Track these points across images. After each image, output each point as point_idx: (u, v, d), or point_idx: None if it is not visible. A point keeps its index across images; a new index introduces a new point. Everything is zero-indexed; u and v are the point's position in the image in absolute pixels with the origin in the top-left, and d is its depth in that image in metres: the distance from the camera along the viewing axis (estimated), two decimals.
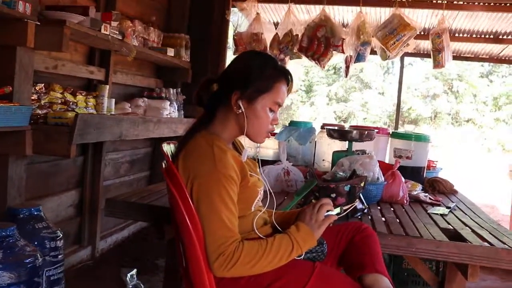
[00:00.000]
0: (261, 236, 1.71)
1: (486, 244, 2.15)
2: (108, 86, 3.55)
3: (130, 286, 3.29)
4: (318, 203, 1.79)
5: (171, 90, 4.44)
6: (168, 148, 1.82)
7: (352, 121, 18.89)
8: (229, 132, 1.80)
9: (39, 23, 2.55)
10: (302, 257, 1.74)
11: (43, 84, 2.89)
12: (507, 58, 6.04)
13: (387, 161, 3.63)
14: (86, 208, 3.76)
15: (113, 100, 3.56)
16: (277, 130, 3.86)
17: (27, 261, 1.94)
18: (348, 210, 1.96)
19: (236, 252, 1.57)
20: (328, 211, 1.87)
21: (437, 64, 4.43)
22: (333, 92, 19.94)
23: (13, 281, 1.88)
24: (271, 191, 1.86)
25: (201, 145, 1.70)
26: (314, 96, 20.09)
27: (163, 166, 1.78)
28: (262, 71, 1.76)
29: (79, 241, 3.76)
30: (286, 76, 1.81)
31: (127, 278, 3.33)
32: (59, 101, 2.97)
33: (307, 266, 1.71)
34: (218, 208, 1.59)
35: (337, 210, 1.86)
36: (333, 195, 2.37)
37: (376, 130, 3.28)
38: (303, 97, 20.45)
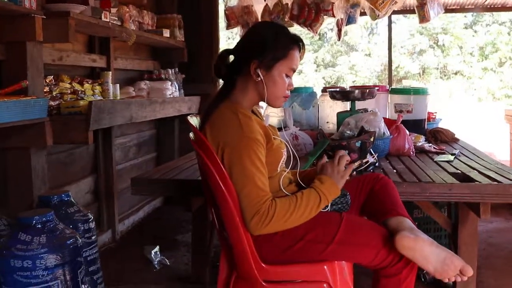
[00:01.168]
0: (288, 194, 1.82)
1: (494, 182, 2.28)
2: (110, 72, 3.62)
3: (156, 262, 3.44)
4: (337, 155, 1.92)
5: (170, 70, 4.51)
6: (193, 121, 1.92)
7: (342, 85, 18.92)
8: (250, 100, 1.90)
9: (45, 17, 2.62)
10: (328, 209, 1.85)
11: (52, 76, 2.97)
12: (492, 6, 6.10)
13: (388, 116, 3.74)
14: (102, 193, 3.86)
15: (118, 86, 3.64)
16: None
17: (69, 242, 2.04)
18: (367, 164, 2.08)
19: (271, 209, 1.69)
20: (344, 167, 1.99)
21: (422, 19, 4.52)
22: (320, 58, 19.91)
23: (59, 262, 1.98)
24: (294, 151, 1.96)
25: (226, 114, 1.81)
26: (301, 64, 20.05)
27: (191, 137, 1.88)
28: (277, 40, 1.86)
29: (98, 226, 3.85)
30: (298, 43, 1.91)
31: (152, 255, 3.49)
32: (69, 91, 3.05)
33: (335, 216, 1.83)
34: (250, 171, 1.70)
35: (357, 163, 1.98)
36: (346, 152, 2.49)
37: (376, 88, 3.38)
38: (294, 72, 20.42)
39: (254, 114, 1.98)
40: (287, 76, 1.89)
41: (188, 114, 2.05)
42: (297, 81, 19.10)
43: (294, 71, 1.91)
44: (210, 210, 1.96)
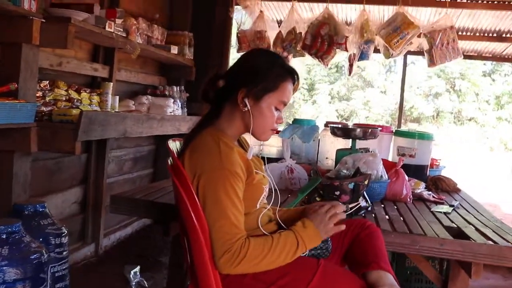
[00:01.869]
0: (266, 233, 1.72)
1: (490, 242, 2.15)
2: (112, 83, 3.57)
3: (134, 283, 3.30)
4: (333, 209, 1.78)
5: (175, 87, 4.45)
6: (174, 145, 1.83)
7: (354, 120, 18.87)
8: (235, 129, 1.80)
9: (44, 20, 2.56)
10: (306, 254, 1.75)
11: (47, 81, 2.91)
12: (510, 57, 6.04)
13: (390, 159, 3.63)
14: (89, 205, 3.78)
15: (117, 98, 3.58)
16: (280, 128, 3.87)
17: (33, 257, 1.94)
18: (354, 209, 1.97)
19: (243, 249, 1.58)
20: None
21: (430, 62, 4.44)
22: (335, 91, 19.95)
23: (19, 277, 1.87)
24: (276, 188, 1.86)
25: (207, 142, 1.71)
26: (316, 95, 20.10)
27: (169, 163, 1.78)
28: (269, 70, 1.76)
29: (82, 238, 3.78)
30: (292, 75, 1.82)
31: (131, 275, 3.34)
32: (64, 98, 2.99)
33: (311, 263, 1.72)
34: (224, 205, 1.60)
35: (344, 207, 1.87)
36: (337, 193, 2.39)
37: (379, 128, 3.28)
38: (305, 95, 20.46)
39: (240, 144, 1.89)
40: (276, 109, 1.79)
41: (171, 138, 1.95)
42: (310, 111, 19.11)
43: (285, 104, 1.81)
44: (182, 240, 1.85)
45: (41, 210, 2.33)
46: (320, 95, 20.04)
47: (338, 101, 20.04)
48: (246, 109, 1.75)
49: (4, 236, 1.91)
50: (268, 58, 1.82)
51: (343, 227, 1.78)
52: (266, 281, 1.66)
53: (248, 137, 1.92)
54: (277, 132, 3.71)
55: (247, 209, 1.70)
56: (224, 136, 1.74)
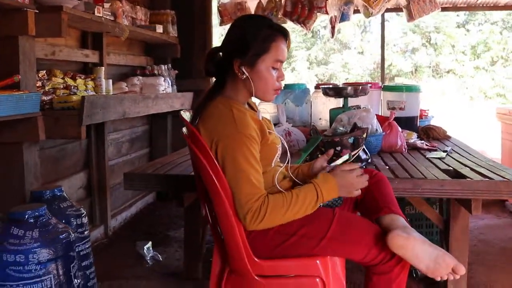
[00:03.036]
0: (281, 190, 1.82)
1: (486, 179, 2.29)
2: (103, 67, 3.62)
3: (148, 258, 3.44)
4: (355, 166, 1.87)
5: (163, 66, 4.50)
6: (186, 116, 1.91)
7: (335, 82, 18.90)
8: (242, 96, 1.89)
9: (37, 11, 2.60)
10: (321, 204, 1.86)
11: (44, 71, 2.96)
12: (484, 5, 6.12)
13: (381, 114, 3.75)
14: (94, 188, 3.86)
15: (110, 81, 3.63)
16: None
17: (62, 237, 2.03)
18: (356, 155, 2.08)
19: (263, 206, 1.69)
20: (335, 159, 2.00)
21: (409, 17, 4.53)
22: (313, 56, 19.92)
23: (52, 257, 1.97)
24: (287, 147, 1.97)
25: (220, 109, 1.80)
26: (294, 62, 20.07)
27: (184, 132, 1.88)
28: (257, 34, 1.83)
29: (91, 221, 3.85)
30: (281, 33, 1.87)
31: (144, 251, 3.48)
32: (61, 86, 3.04)
33: (327, 212, 1.83)
34: (243, 167, 1.70)
35: (346, 156, 1.99)
36: (338, 148, 2.50)
37: (369, 85, 3.39)
38: (283, 63, 20.45)
39: (250, 108, 1.98)
40: (273, 68, 1.86)
41: (181, 110, 2.04)
42: (289, 78, 19.11)
43: (282, 62, 1.87)
44: (203, 205, 1.96)
45: (59, 194, 2.43)
46: (298, 61, 20.00)
47: (316, 66, 20.02)
48: (244, 76, 1.83)
49: (32, 220, 2.00)
50: (254, 23, 1.89)
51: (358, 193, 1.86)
52: (288, 233, 1.78)
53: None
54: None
55: (263, 168, 1.80)
56: (234, 102, 1.84)
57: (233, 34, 1.91)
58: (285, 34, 1.88)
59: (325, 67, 19.88)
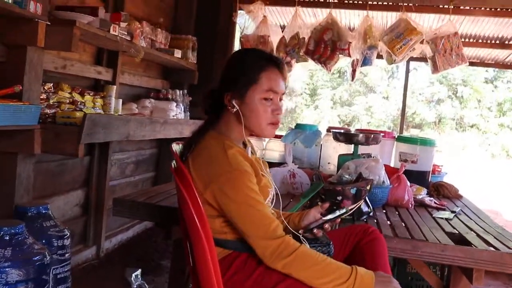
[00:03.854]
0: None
1: (491, 248, 2.15)
2: (115, 86, 3.58)
3: (135, 286, 3.32)
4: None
5: (178, 91, 4.46)
6: (177, 148, 1.83)
7: (356, 125, 18.88)
8: (236, 132, 1.81)
9: (49, 23, 2.57)
10: None
11: (51, 84, 2.92)
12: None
13: (392, 164, 3.64)
14: (92, 207, 3.79)
15: (120, 101, 3.59)
16: (283, 133, 3.88)
17: (36, 258, 1.95)
18: (353, 210, 1.96)
19: (287, 245, 1.60)
20: (335, 211, 1.89)
21: (433, 69, 4.45)
22: (337, 96, 19.96)
23: (22, 279, 1.88)
24: (278, 192, 1.87)
25: (212, 146, 1.73)
26: (318, 100, 20.12)
27: (173, 166, 1.79)
28: (245, 66, 1.77)
29: (84, 241, 3.78)
30: (271, 62, 1.79)
31: (132, 278, 3.38)
32: (67, 101, 2.99)
33: None
34: (249, 203, 1.62)
35: (342, 210, 1.87)
36: (339, 198, 2.39)
37: (382, 134, 3.28)
38: (307, 100, 20.47)
39: (244, 147, 1.89)
40: (266, 100, 1.77)
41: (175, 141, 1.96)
42: (312, 116, 19.12)
43: (275, 92, 1.77)
44: (185, 244, 1.85)
45: (44, 212, 2.34)
46: (322, 100, 20.05)
47: (340, 107, 20.05)
48: (235, 110, 1.76)
49: (7, 238, 1.92)
50: (243, 55, 1.85)
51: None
52: (266, 286, 1.66)
53: (255, 142, 1.93)
54: (279, 136, 3.73)
55: None
56: (227, 139, 1.76)
57: (225, 70, 1.85)
58: (276, 64, 1.80)
59: (348, 108, 19.88)
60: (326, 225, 1.82)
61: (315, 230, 1.81)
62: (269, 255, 1.59)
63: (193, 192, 1.62)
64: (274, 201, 1.86)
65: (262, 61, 1.78)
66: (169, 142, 4.73)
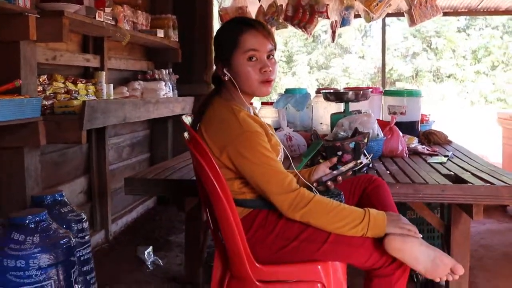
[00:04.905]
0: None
1: (487, 184, 2.29)
2: (104, 72, 3.62)
3: (149, 263, 3.44)
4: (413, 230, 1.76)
5: (164, 71, 4.51)
6: (187, 120, 1.92)
7: (336, 87, 18.94)
8: (238, 98, 1.89)
9: (38, 16, 2.61)
10: None
11: (45, 76, 2.96)
12: (485, 10, 6.14)
13: (382, 118, 3.75)
14: (95, 193, 3.85)
15: (111, 86, 3.64)
16: (274, 100, 3.96)
17: (62, 242, 2.04)
18: (361, 164, 2.08)
19: (304, 195, 1.71)
20: (339, 166, 2.00)
21: (411, 22, 4.54)
22: (313, 60, 19.94)
23: (52, 262, 1.97)
24: (287, 151, 1.97)
25: (221, 112, 1.82)
26: (295, 66, 20.09)
27: (186, 137, 1.88)
28: (226, 34, 1.89)
29: (92, 226, 3.84)
30: (249, 25, 1.87)
31: (145, 256, 3.48)
32: (63, 91, 3.04)
33: None
34: (263, 161, 1.72)
35: (352, 164, 1.99)
36: (339, 153, 2.50)
37: (370, 90, 3.38)
38: (284, 67, 20.44)
39: (251, 112, 1.98)
40: (250, 59, 1.83)
41: (182, 115, 2.05)
42: (290, 82, 19.14)
43: (259, 51, 1.83)
44: (204, 210, 1.96)
45: (59, 199, 2.43)
46: (298, 66, 20.02)
47: (317, 70, 20.05)
48: (227, 77, 1.85)
49: (33, 225, 2.00)
50: (224, 26, 1.98)
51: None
52: (288, 237, 1.77)
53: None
54: (271, 103, 3.82)
55: None
56: (233, 104, 1.85)
57: (213, 41, 1.95)
58: (253, 25, 1.87)
59: (325, 72, 19.90)
60: (339, 178, 1.95)
61: (328, 183, 1.93)
62: (287, 207, 1.71)
63: (209, 158, 1.71)
64: (283, 159, 1.96)
65: (238, 25, 1.87)
66: (161, 122, 4.83)
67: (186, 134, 1.89)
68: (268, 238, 1.78)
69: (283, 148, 1.97)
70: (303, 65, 19.84)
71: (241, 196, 1.82)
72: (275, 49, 1.89)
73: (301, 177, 1.95)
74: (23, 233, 1.96)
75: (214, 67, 1.93)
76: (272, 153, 1.77)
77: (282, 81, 20.01)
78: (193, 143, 1.78)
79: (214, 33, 2.01)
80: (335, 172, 1.97)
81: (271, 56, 1.87)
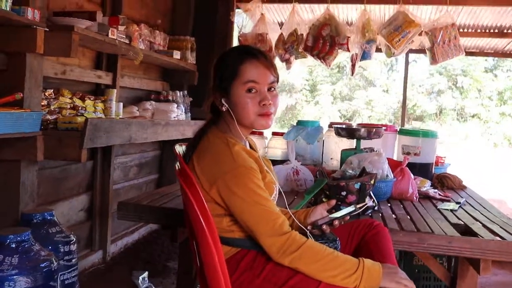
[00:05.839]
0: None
1: (497, 238, 2.15)
2: (115, 90, 3.58)
3: None
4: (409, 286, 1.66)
5: (178, 92, 4.46)
6: (181, 149, 1.84)
7: (357, 119, 18.85)
8: (235, 130, 1.81)
9: (47, 30, 2.57)
10: None
11: (52, 90, 2.93)
12: (511, 52, 6.03)
13: (395, 158, 3.63)
14: (96, 212, 3.79)
15: (121, 104, 3.59)
16: (284, 130, 3.87)
17: (43, 265, 1.96)
18: (362, 208, 1.97)
19: (294, 239, 1.61)
20: (339, 206, 1.89)
21: (432, 60, 4.44)
22: (337, 91, 19.92)
23: (30, 286, 1.89)
24: (281, 190, 1.87)
25: (215, 144, 1.73)
26: (318, 95, 20.08)
27: (176, 167, 1.79)
28: (225, 63, 1.80)
29: (90, 245, 3.78)
30: (250, 54, 1.79)
31: (139, 281, 3.37)
32: (68, 106, 3.00)
33: None
34: (254, 199, 1.63)
35: (351, 208, 1.87)
36: (344, 193, 2.39)
37: (383, 128, 3.28)
38: (307, 96, 20.44)
39: (250, 146, 1.90)
40: (249, 91, 1.76)
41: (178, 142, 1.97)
42: (313, 112, 19.10)
43: (259, 83, 1.76)
44: (191, 245, 1.85)
45: (49, 218, 2.35)
46: (322, 95, 20.01)
47: (340, 101, 20.01)
48: (224, 108, 1.78)
49: (13, 245, 1.93)
50: (223, 54, 1.85)
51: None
52: (276, 283, 1.66)
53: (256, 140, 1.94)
54: (281, 134, 3.73)
55: None
56: (229, 136, 1.77)
57: (212, 70, 1.86)
58: (254, 55, 1.79)
59: (349, 103, 19.85)
60: (336, 222, 1.83)
61: (323, 227, 1.82)
62: (276, 250, 1.60)
63: (197, 192, 1.62)
64: (277, 198, 1.86)
65: (239, 55, 1.79)
66: (172, 143, 4.74)
67: (177, 164, 1.80)
68: (254, 282, 1.68)
69: (278, 187, 1.86)
70: (327, 95, 19.83)
71: (230, 235, 1.72)
72: (277, 81, 1.81)
73: (295, 219, 1.84)
74: (1, 252, 1.89)
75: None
76: (265, 191, 1.68)
77: (304, 109, 20.00)
78: (183, 175, 1.69)
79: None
80: (332, 215, 1.86)
81: (272, 88, 1.80)
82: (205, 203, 1.61)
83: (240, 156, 1.68)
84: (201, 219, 1.60)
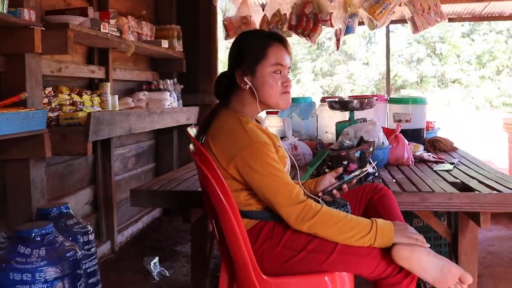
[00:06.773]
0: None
1: (494, 192, 2.27)
2: (109, 83, 3.63)
3: (155, 273, 3.43)
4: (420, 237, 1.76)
5: (168, 81, 4.52)
6: (193, 132, 1.92)
7: (340, 94, 18.93)
8: (249, 109, 1.90)
9: (44, 29, 2.62)
10: None
11: (51, 88, 2.97)
12: (489, 15, 6.13)
13: (387, 126, 3.74)
14: (101, 204, 3.85)
15: (116, 97, 3.65)
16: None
17: (68, 255, 2.03)
18: (364, 173, 2.07)
19: (310, 207, 1.72)
20: (345, 176, 1.99)
21: (414, 29, 4.53)
22: (318, 68, 19.94)
23: (59, 275, 1.97)
24: (294, 161, 1.97)
25: (229, 124, 1.82)
26: (299, 73, 20.10)
27: (191, 149, 1.88)
28: (253, 43, 1.90)
29: (98, 237, 3.85)
30: (275, 38, 1.91)
31: (151, 266, 3.47)
32: (68, 103, 3.05)
33: None
34: (271, 172, 1.73)
35: (357, 172, 1.98)
36: (345, 162, 2.50)
37: (375, 98, 3.38)
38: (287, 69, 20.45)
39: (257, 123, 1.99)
40: (275, 72, 1.87)
41: (187, 125, 2.06)
42: (295, 90, 19.13)
43: (283, 66, 1.89)
44: (210, 221, 1.95)
45: (65, 211, 2.43)
46: (303, 73, 20.03)
47: (322, 78, 20.04)
48: (247, 86, 1.87)
49: (38, 238, 2.00)
50: (249, 35, 1.99)
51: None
52: (296, 248, 1.77)
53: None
54: (276, 112, 3.81)
55: None
56: (241, 115, 1.86)
57: (232, 49, 1.96)
58: (281, 40, 1.92)
59: (330, 79, 19.88)
60: (344, 186, 1.94)
61: (334, 192, 1.92)
62: (295, 218, 1.71)
63: (215, 170, 1.71)
64: (289, 170, 1.96)
65: (267, 38, 1.90)
66: (166, 132, 4.83)
67: (191, 146, 1.89)
68: (275, 250, 1.78)
69: (290, 159, 1.96)
70: (308, 72, 19.83)
71: (247, 208, 1.82)
72: None
73: (304, 190, 1.94)
74: (29, 246, 1.96)
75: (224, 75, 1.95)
76: (280, 164, 1.78)
77: None
78: (199, 155, 1.78)
79: (232, 42, 2.01)
80: (340, 181, 1.97)
81: (289, 72, 1.93)
82: (222, 179, 1.71)
83: (254, 132, 1.78)
84: (220, 194, 1.69)
